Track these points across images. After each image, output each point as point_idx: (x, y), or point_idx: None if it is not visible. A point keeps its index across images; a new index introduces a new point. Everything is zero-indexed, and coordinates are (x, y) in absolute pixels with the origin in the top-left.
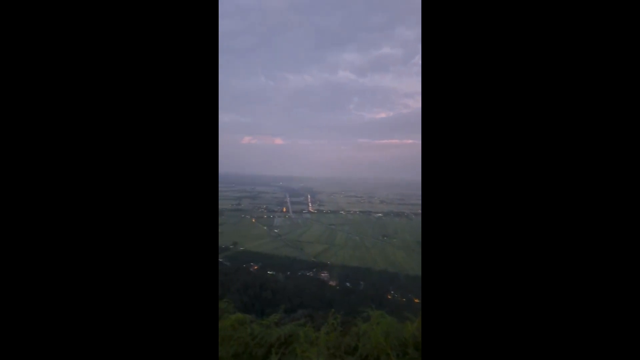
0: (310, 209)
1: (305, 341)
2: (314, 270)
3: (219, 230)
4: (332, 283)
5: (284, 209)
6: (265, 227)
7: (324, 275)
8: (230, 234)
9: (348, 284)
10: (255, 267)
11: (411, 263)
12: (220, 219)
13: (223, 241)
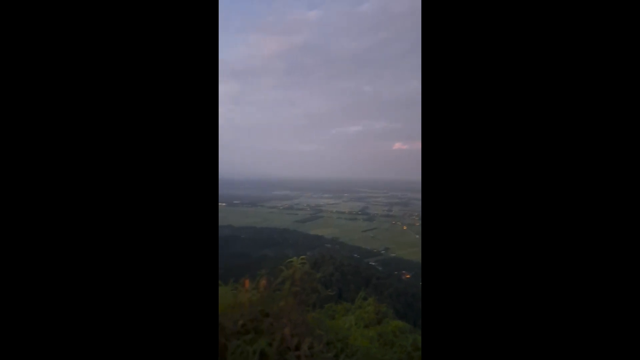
0: None
1: None
2: None
3: (371, 235)
4: None
5: None
6: (417, 236)
7: None
8: (382, 240)
9: None
10: (407, 276)
11: None
12: (372, 224)
13: (375, 245)
